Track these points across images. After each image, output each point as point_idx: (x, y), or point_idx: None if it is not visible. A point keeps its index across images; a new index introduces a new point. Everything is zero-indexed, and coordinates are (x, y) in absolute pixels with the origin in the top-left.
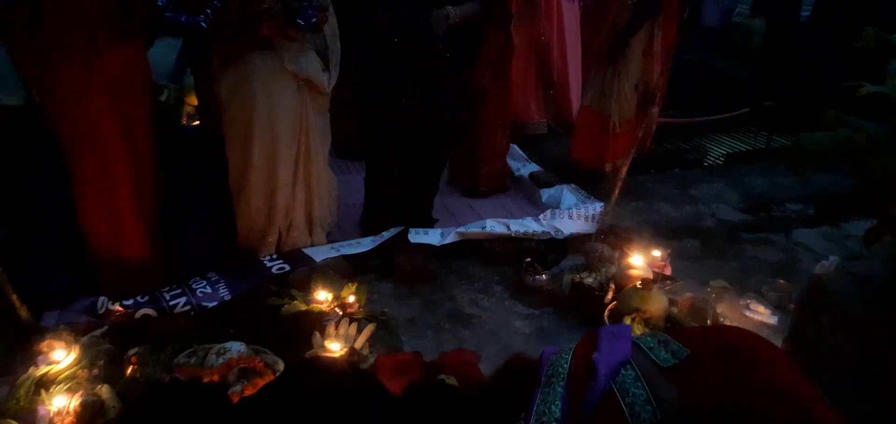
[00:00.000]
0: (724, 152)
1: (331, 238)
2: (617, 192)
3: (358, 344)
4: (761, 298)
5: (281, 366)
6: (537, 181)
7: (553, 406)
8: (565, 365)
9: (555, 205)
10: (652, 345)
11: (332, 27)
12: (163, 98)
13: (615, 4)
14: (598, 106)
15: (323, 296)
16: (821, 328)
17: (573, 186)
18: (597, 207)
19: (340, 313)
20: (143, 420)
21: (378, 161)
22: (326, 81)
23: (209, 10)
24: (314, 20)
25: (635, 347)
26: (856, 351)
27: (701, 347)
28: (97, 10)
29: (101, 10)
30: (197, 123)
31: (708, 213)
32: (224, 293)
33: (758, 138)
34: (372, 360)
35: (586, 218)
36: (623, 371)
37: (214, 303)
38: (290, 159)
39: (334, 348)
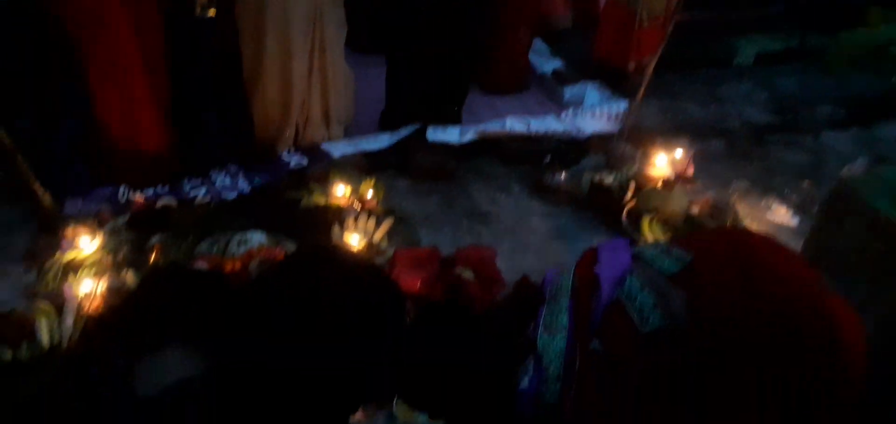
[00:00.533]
0: (755, 52)
1: (348, 133)
2: (642, 91)
3: (376, 238)
4: (783, 200)
5: None
6: (560, 78)
7: (561, 317)
8: (568, 282)
9: (577, 103)
10: (654, 254)
11: None
12: None
13: None
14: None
15: (341, 191)
16: (844, 230)
17: (597, 83)
18: (620, 106)
19: (359, 207)
20: (155, 298)
21: (398, 55)
22: None
23: None
24: None
25: (636, 259)
26: (879, 255)
27: (705, 250)
28: None
29: None
30: (212, 12)
31: (734, 114)
32: (243, 184)
33: (791, 37)
34: (390, 253)
35: (609, 117)
36: (628, 281)
37: (234, 195)
38: (304, 50)
39: (353, 241)
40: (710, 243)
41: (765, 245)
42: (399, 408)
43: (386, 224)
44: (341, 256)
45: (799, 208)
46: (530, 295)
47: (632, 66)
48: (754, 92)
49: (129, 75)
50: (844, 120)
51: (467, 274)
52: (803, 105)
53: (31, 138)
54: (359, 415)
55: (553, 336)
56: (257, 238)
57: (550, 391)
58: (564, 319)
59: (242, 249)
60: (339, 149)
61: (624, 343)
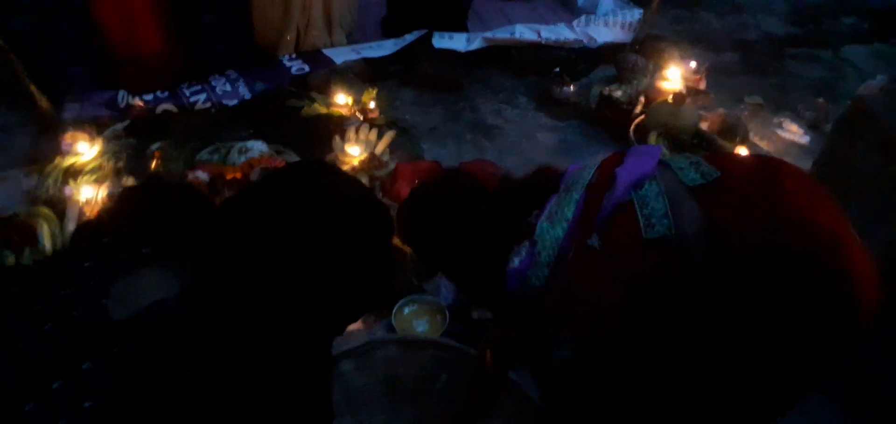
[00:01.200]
0: None
1: (351, 39)
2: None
3: (378, 150)
4: (796, 116)
5: None
6: None
7: (566, 209)
8: (587, 176)
9: (591, 10)
10: (682, 165)
11: None
12: None
13: None
14: None
15: (343, 100)
16: (856, 151)
17: None
18: (635, 14)
19: (361, 117)
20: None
21: None
22: None
23: None
24: None
25: (664, 166)
26: (892, 178)
27: (733, 171)
28: None
29: None
30: None
31: (753, 24)
32: (244, 91)
33: None
34: (392, 166)
35: (623, 26)
36: (647, 185)
37: (235, 102)
38: None
39: (354, 152)
40: (742, 167)
41: (798, 181)
42: (397, 319)
43: (388, 137)
44: (342, 175)
45: (812, 126)
46: (546, 182)
47: None
48: (775, 1)
49: None
50: (868, 33)
51: None
52: (826, 15)
53: (27, 39)
54: (358, 325)
55: (553, 225)
56: (258, 147)
57: (538, 275)
58: (570, 211)
59: (243, 158)
60: (341, 55)
61: (623, 246)
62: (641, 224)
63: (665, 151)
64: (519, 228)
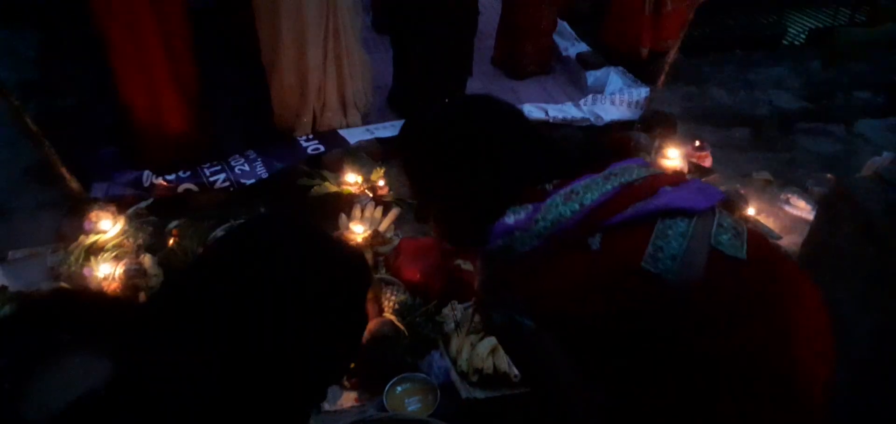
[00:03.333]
0: (806, 28)
1: (366, 119)
2: (663, 77)
3: (383, 227)
4: (804, 192)
5: None
6: (584, 62)
7: (590, 194)
8: (631, 176)
9: (600, 89)
10: (725, 224)
11: None
12: None
13: None
14: None
15: (353, 178)
16: (841, 233)
17: (621, 69)
18: (643, 92)
19: (370, 195)
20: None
21: (404, 34)
22: None
23: None
24: None
25: (710, 214)
26: (872, 259)
27: (755, 257)
28: None
29: None
30: None
31: (764, 100)
32: (261, 171)
33: (838, 14)
34: (396, 242)
35: (630, 104)
36: (679, 220)
37: (252, 180)
38: (318, 37)
39: (358, 230)
40: (763, 264)
41: (800, 288)
42: (389, 398)
43: (392, 214)
44: (302, 224)
45: (819, 202)
46: (593, 158)
47: (645, 52)
48: (787, 77)
49: (151, 59)
50: (882, 108)
51: (467, 266)
52: (840, 89)
53: (60, 123)
54: (350, 402)
55: (565, 203)
56: None
57: (526, 242)
58: (592, 198)
59: None
60: (354, 135)
61: (619, 260)
62: (647, 252)
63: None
64: (526, 189)
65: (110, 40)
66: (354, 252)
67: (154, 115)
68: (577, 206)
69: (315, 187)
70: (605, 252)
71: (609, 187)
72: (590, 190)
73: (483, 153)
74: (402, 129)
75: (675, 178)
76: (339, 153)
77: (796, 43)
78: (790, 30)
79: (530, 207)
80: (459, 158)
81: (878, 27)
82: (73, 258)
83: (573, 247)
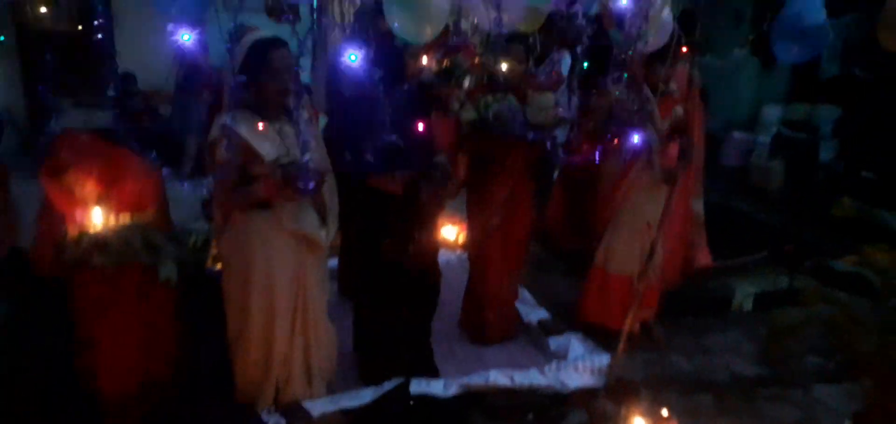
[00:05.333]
0: (751, 293)
1: (331, 388)
2: (622, 345)
3: None
4: None
5: None
6: (546, 329)
7: None
8: None
9: (563, 354)
10: None
11: (329, 184)
12: (191, 242)
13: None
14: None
15: None
16: None
17: (580, 334)
18: (604, 359)
19: None
20: None
21: (372, 304)
22: (324, 236)
23: (212, 176)
24: (312, 186)
25: None
26: None
27: None
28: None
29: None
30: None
31: (722, 365)
32: None
33: (778, 280)
34: None
35: (592, 371)
36: None
37: None
38: (287, 312)
39: None
40: None
41: None
42: None
43: None
44: None
45: None
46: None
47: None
48: (742, 342)
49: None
50: (835, 372)
51: None
52: (793, 355)
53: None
54: None
55: None
56: None
57: None
58: None
59: None
60: (318, 407)
61: None
62: None
63: None
64: None
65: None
66: None
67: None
68: None
69: None
70: None
71: None
72: None
73: None
74: None
75: None
76: None
77: (744, 308)
78: (737, 295)
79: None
80: None
81: (811, 308)
82: None
83: None
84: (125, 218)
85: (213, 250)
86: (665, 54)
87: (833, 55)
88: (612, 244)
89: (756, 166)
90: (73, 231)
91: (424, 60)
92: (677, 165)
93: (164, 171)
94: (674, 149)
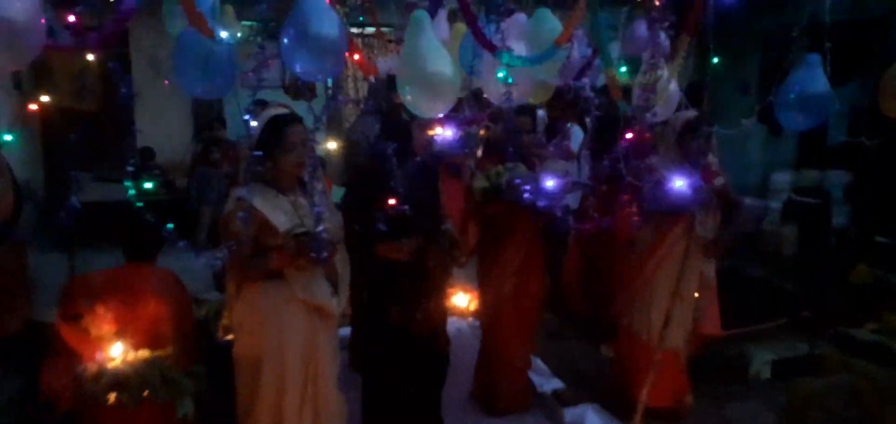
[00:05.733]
0: (769, 361)
1: None
2: (639, 416)
3: None
4: None
5: None
6: (561, 399)
7: None
8: None
9: None
10: None
11: (342, 253)
12: (202, 312)
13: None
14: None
15: None
16: None
17: (597, 406)
18: None
19: None
20: None
21: (380, 375)
22: (336, 305)
23: (227, 247)
24: (325, 255)
25: None
26: None
27: None
28: None
29: None
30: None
31: None
32: None
33: (796, 347)
34: None
35: None
36: None
37: None
38: (298, 383)
39: None
40: None
41: None
42: None
43: None
44: None
45: None
46: None
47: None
48: (762, 411)
49: None
50: None
51: None
52: None
53: None
54: None
55: None
56: None
57: None
58: None
59: None
60: None
61: None
62: None
63: None
64: None
65: None
66: None
67: None
68: None
69: None
70: None
71: None
72: None
73: None
74: None
75: None
76: None
77: (762, 376)
78: (754, 362)
79: None
80: None
81: (837, 376)
82: None
83: None
84: (144, 353)
85: (225, 321)
86: (696, 126)
87: (840, 121)
88: (651, 317)
89: (768, 232)
90: (91, 367)
91: (439, 130)
92: (721, 234)
93: (181, 243)
94: (715, 218)
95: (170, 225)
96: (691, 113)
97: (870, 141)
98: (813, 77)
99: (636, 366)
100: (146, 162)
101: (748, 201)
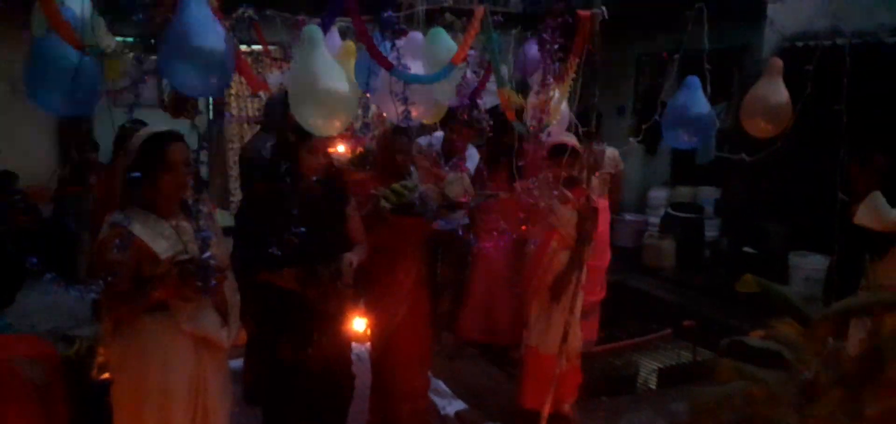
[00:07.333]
0: (654, 369)
1: None
2: None
3: None
4: None
5: None
6: (463, 421)
7: None
8: None
9: None
10: None
11: (231, 281)
12: (73, 350)
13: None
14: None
15: None
16: None
17: None
18: None
19: None
20: None
21: (277, 409)
22: (226, 337)
23: (102, 281)
24: (213, 283)
25: None
26: None
27: None
28: None
29: None
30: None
31: None
32: None
33: (681, 355)
34: None
35: None
36: None
37: None
38: (186, 420)
39: None
40: None
41: None
42: None
43: None
44: None
45: None
46: None
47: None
48: (655, 420)
49: None
50: None
51: None
52: None
53: None
54: None
55: None
56: None
57: None
58: None
59: None
60: None
61: None
62: None
63: None
64: None
65: None
66: None
67: None
68: None
69: None
70: None
71: None
72: None
73: None
74: None
75: None
76: None
77: (650, 385)
78: (641, 372)
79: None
80: None
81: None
82: None
83: None
84: None
85: (100, 359)
86: (563, 147)
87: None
88: (540, 325)
89: (649, 246)
90: None
91: (340, 148)
92: (578, 246)
93: (47, 276)
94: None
95: (33, 259)
96: (568, 136)
97: (749, 158)
98: (694, 98)
99: (540, 379)
100: (6, 187)
101: (629, 216)
